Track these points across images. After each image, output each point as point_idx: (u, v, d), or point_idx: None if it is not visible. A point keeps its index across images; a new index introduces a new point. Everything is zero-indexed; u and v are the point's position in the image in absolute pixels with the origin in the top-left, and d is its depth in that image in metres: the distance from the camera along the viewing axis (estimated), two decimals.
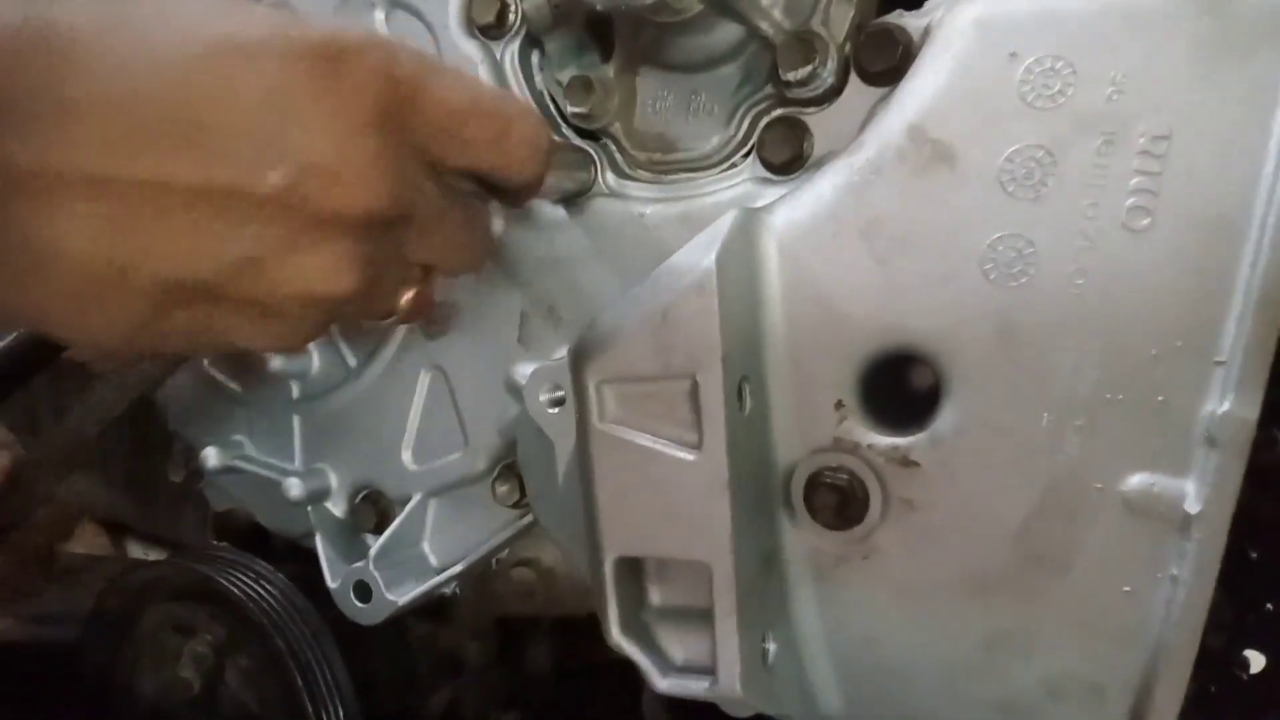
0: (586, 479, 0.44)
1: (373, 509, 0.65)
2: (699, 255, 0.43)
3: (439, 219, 0.44)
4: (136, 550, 1.07)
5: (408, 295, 0.45)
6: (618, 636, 0.43)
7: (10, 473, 0.62)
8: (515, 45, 0.59)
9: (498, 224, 0.58)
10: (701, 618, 0.43)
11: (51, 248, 0.33)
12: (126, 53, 0.33)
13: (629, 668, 0.45)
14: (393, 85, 0.38)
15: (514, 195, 0.49)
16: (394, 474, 0.64)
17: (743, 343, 0.43)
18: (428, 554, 0.63)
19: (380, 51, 0.37)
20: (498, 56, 0.59)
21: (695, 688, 0.42)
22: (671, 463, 0.42)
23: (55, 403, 0.99)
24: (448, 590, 0.65)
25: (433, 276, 0.48)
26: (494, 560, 0.65)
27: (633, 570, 0.44)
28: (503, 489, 0.60)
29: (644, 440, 0.43)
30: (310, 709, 0.61)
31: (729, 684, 0.41)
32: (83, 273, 0.34)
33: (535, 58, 0.60)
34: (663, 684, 0.42)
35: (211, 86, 0.34)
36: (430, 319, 0.60)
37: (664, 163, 0.56)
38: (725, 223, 0.44)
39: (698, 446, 0.41)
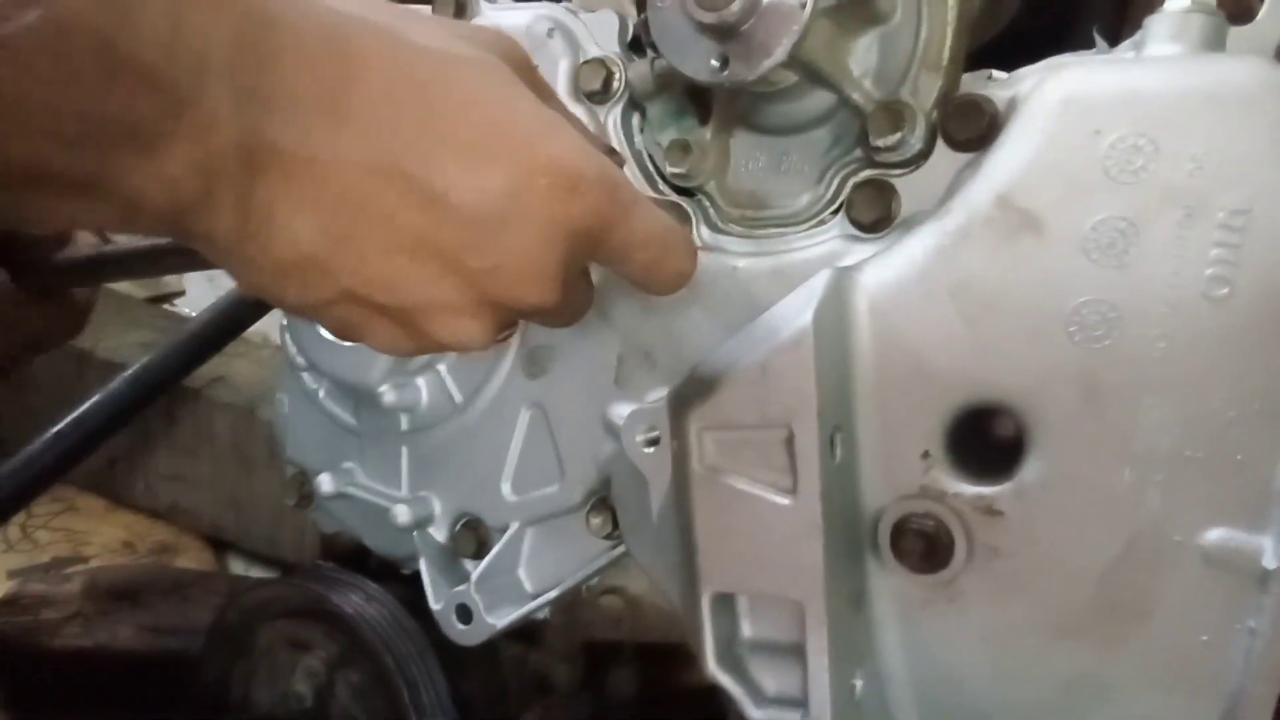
0: (685, 518, 0.48)
1: (473, 536, 0.69)
2: (796, 312, 0.46)
3: (579, 307, 0.51)
4: (238, 566, 1.14)
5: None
6: (714, 668, 0.46)
7: None
8: (619, 109, 0.63)
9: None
10: (793, 652, 0.46)
11: (286, 225, 0.39)
12: (404, 96, 0.40)
13: (709, 696, 0.48)
14: (600, 219, 0.44)
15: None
16: (493, 503, 0.68)
17: (835, 394, 0.46)
18: (523, 580, 0.67)
19: (605, 188, 0.44)
20: (601, 119, 0.64)
21: (788, 719, 0.44)
22: (767, 506, 0.45)
23: None
24: (539, 615, 0.68)
25: None
26: (584, 588, 0.68)
27: (728, 605, 0.47)
28: (596, 521, 0.64)
29: (741, 484, 0.46)
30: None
31: (820, 717, 0.43)
32: (302, 254, 0.39)
33: (636, 120, 0.64)
34: (757, 715, 0.45)
35: (469, 168, 0.40)
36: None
37: (756, 219, 0.60)
38: (820, 281, 0.47)
39: (793, 491, 0.45)
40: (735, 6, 0.49)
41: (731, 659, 0.47)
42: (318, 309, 0.43)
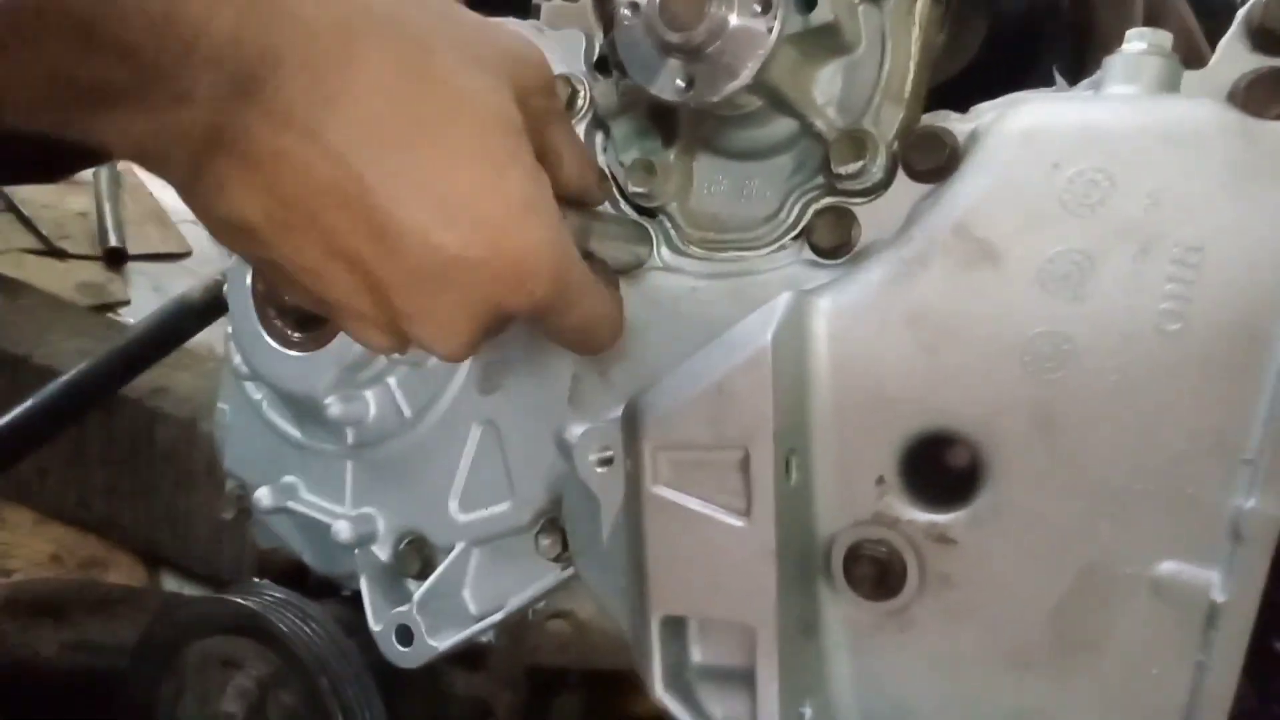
0: (636, 539, 0.47)
1: (417, 555, 0.67)
2: (755, 333, 0.46)
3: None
4: (171, 583, 1.10)
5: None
6: (661, 693, 0.45)
7: None
8: (583, 125, 0.63)
9: None
10: (742, 679, 0.45)
11: (233, 196, 0.39)
12: (398, 129, 0.40)
13: None
14: (535, 311, 0.45)
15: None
16: (440, 522, 0.66)
17: (791, 417, 0.46)
18: (468, 601, 0.65)
19: (553, 287, 0.44)
20: None
21: None
22: (721, 528, 0.44)
23: None
24: (483, 638, 0.67)
25: None
26: (530, 611, 0.67)
27: (678, 629, 0.46)
28: (545, 542, 0.63)
29: (695, 505, 0.45)
30: None
31: None
32: (243, 221, 0.40)
33: (599, 138, 0.64)
34: None
35: (434, 223, 0.40)
36: None
37: (717, 241, 0.60)
38: (780, 304, 0.47)
39: (746, 514, 0.44)
40: (701, 27, 0.49)
41: (680, 684, 0.46)
42: (246, 259, 0.45)
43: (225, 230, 0.41)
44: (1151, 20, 0.65)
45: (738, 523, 0.44)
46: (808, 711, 0.45)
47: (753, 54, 0.50)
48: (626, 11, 0.53)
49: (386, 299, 0.42)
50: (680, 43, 0.50)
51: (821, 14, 0.51)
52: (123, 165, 2.27)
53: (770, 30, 0.49)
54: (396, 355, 0.63)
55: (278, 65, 0.37)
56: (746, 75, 0.50)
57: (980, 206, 0.46)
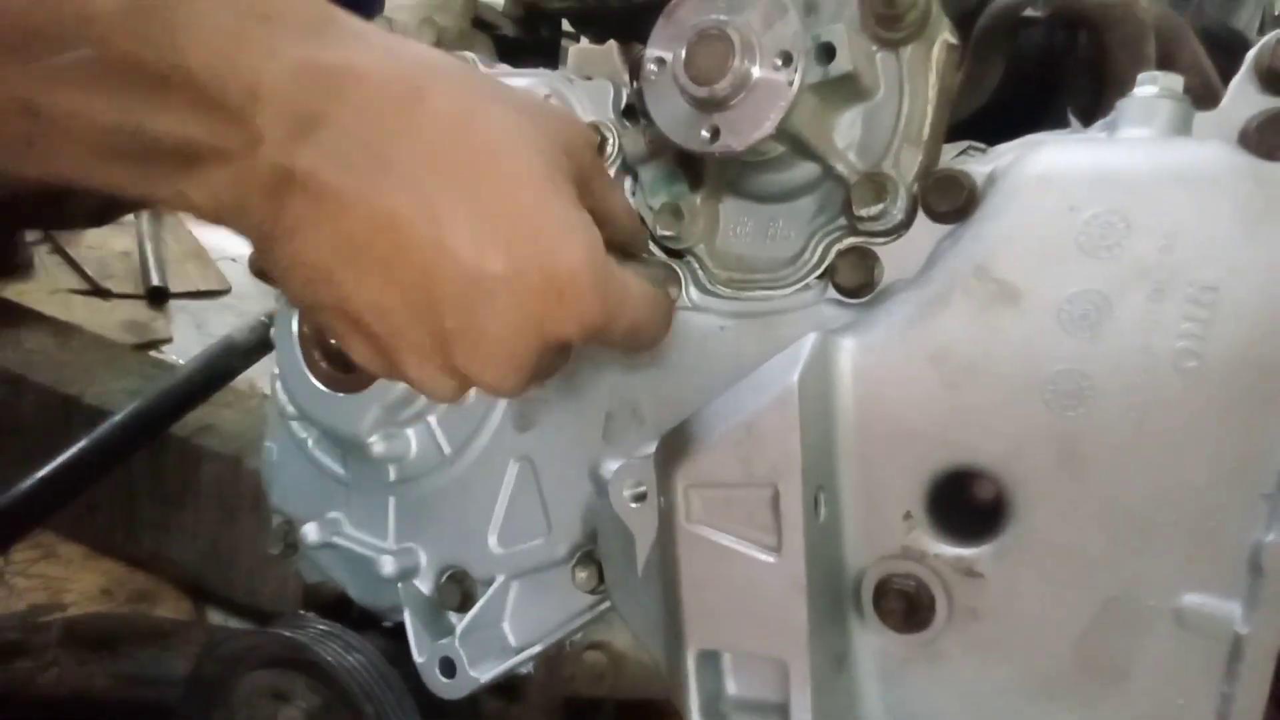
0: (671, 574, 0.49)
1: (457, 588, 0.69)
2: (781, 374, 0.47)
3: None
4: (217, 617, 1.13)
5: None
6: None
7: None
8: (612, 170, 0.65)
9: None
10: (776, 711, 0.46)
11: (306, 237, 0.42)
12: (456, 161, 0.43)
13: None
14: (580, 328, 0.46)
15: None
16: (479, 556, 0.68)
17: (819, 455, 0.48)
18: (508, 633, 0.67)
19: (595, 300, 0.45)
20: None
21: None
22: (752, 563, 0.46)
23: None
24: (522, 669, 0.68)
25: None
26: (567, 642, 0.68)
27: (712, 662, 0.48)
28: (581, 575, 0.65)
29: (726, 541, 0.47)
30: None
31: None
32: (314, 262, 0.43)
33: (629, 183, 0.66)
34: None
35: (483, 240, 0.43)
36: None
37: (743, 281, 0.61)
38: (805, 344, 0.49)
39: (777, 550, 0.45)
40: (725, 82, 0.52)
41: (716, 716, 0.47)
42: (314, 310, 0.46)
43: (297, 273, 0.43)
44: (1165, 60, 0.67)
45: (769, 559, 0.45)
46: None
47: (775, 105, 0.52)
48: (652, 66, 0.55)
49: (439, 323, 0.43)
50: (705, 96, 0.52)
51: (840, 65, 0.53)
52: None
53: (791, 83, 0.51)
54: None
55: (345, 108, 0.40)
56: (769, 126, 0.52)
57: (999, 248, 0.47)
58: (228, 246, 2.33)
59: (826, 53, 0.54)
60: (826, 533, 0.47)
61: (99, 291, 1.92)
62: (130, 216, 2.26)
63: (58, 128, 0.36)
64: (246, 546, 1.09)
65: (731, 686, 0.48)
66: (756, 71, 0.51)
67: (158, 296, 1.97)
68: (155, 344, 1.77)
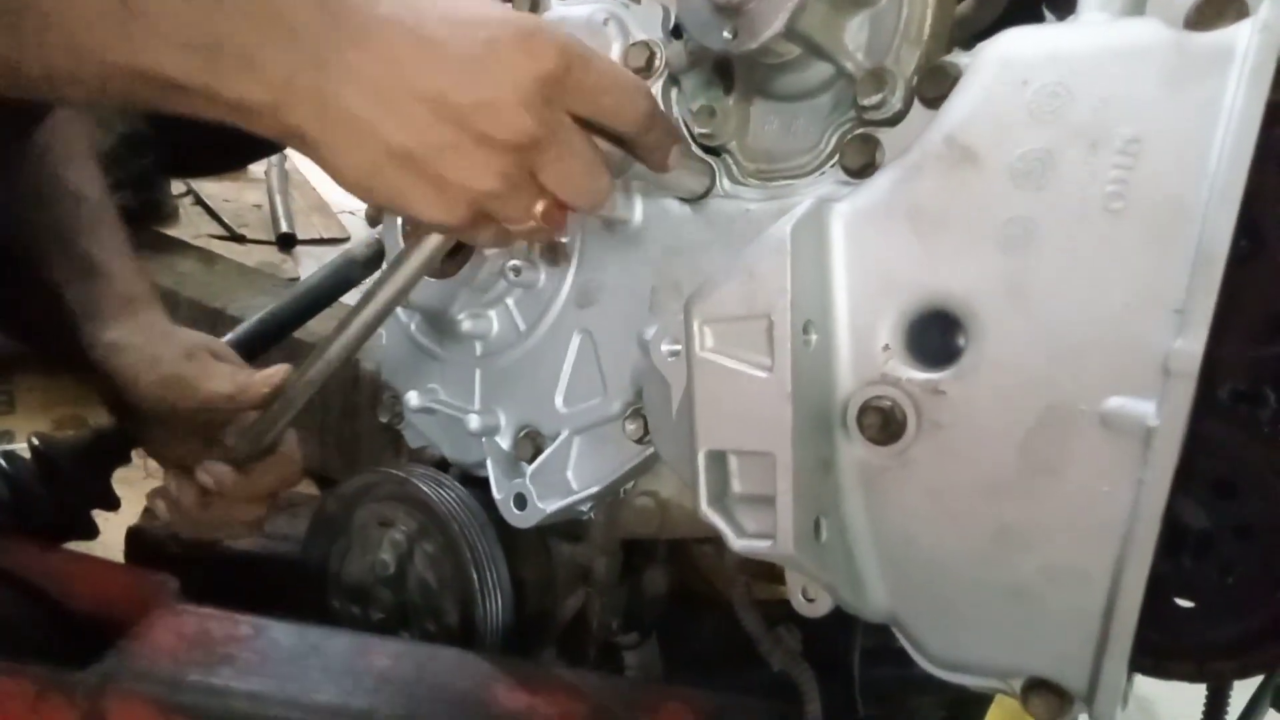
0: (689, 394, 0.59)
1: (531, 444, 0.82)
2: (779, 227, 0.57)
3: (568, 157, 0.59)
4: None
5: (538, 208, 0.61)
6: (706, 509, 0.58)
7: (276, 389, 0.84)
8: (660, 82, 0.76)
9: (637, 213, 0.75)
10: (768, 503, 0.56)
11: (343, 98, 0.54)
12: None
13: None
14: (564, 58, 0.56)
15: (646, 158, 0.66)
16: (549, 415, 0.81)
17: (811, 294, 0.57)
18: (570, 480, 0.79)
19: (560, 41, 0.57)
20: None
21: (760, 546, 0.55)
22: (750, 380, 0.56)
23: None
24: (584, 513, 0.81)
25: (560, 204, 0.62)
26: (622, 490, 0.80)
27: (720, 463, 0.59)
28: (631, 427, 0.76)
29: (730, 364, 0.57)
30: (477, 586, 0.78)
31: (784, 544, 0.54)
32: (355, 117, 0.55)
33: (674, 93, 0.76)
34: (738, 544, 0.57)
35: (464, 28, 0.56)
36: (552, 235, 0.70)
37: (769, 171, 0.71)
38: (801, 206, 0.59)
39: (770, 369, 0.56)
40: None
41: (721, 505, 0.58)
42: (373, 176, 0.57)
43: (348, 137, 0.55)
44: None
45: (763, 375, 0.56)
46: (824, 526, 0.57)
47: (784, 6, 0.61)
48: None
49: (453, 105, 0.54)
50: (724, 3, 0.62)
51: None
52: (289, 165, 2.56)
53: None
54: (512, 242, 0.73)
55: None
56: (779, 24, 0.62)
57: (965, 118, 0.56)
58: (346, 201, 2.54)
59: None
60: (815, 358, 0.57)
61: (235, 237, 2.14)
62: (261, 174, 2.49)
63: (147, 20, 0.49)
64: (365, 439, 1.25)
65: (736, 485, 0.59)
66: None
67: (287, 242, 2.18)
68: (285, 282, 1.98)
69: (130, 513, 1.07)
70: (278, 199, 2.36)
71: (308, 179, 2.65)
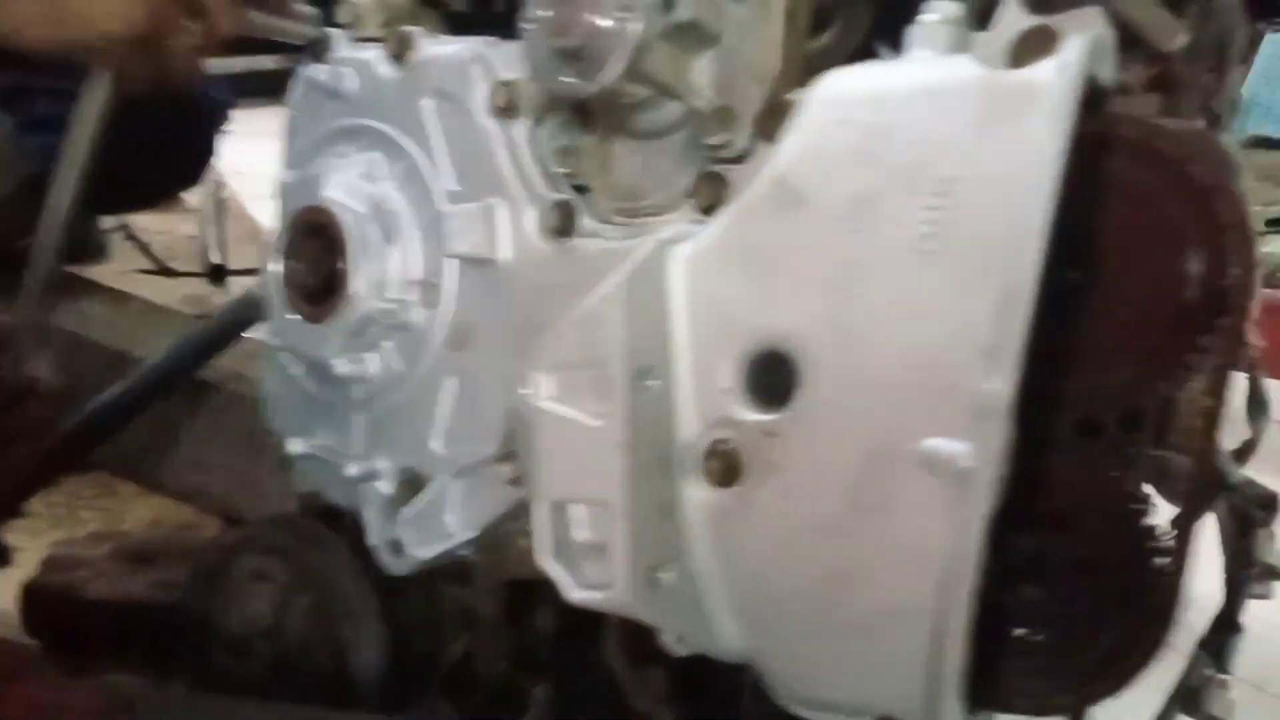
0: (533, 445, 0.59)
1: (411, 489, 0.81)
2: (619, 274, 0.57)
3: None
4: None
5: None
6: (544, 559, 0.57)
7: None
8: (523, 124, 0.75)
9: (502, 252, 0.74)
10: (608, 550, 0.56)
11: None
12: None
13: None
14: None
15: None
16: (426, 458, 0.80)
17: (650, 339, 0.57)
18: (447, 524, 0.78)
19: None
20: (512, 133, 0.76)
21: (596, 596, 0.55)
22: (587, 429, 0.56)
23: None
24: (467, 554, 0.80)
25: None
26: (506, 531, 0.79)
27: (560, 512, 0.58)
28: (505, 469, 0.75)
29: (570, 412, 0.57)
30: (348, 638, 0.77)
31: (622, 594, 0.54)
32: None
33: (540, 132, 0.76)
34: (574, 595, 0.56)
35: None
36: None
37: (631, 209, 0.71)
38: (641, 250, 0.59)
39: (605, 416, 0.55)
40: (577, 32, 0.61)
41: (564, 555, 0.58)
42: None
43: None
44: None
45: (599, 423, 0.55)
46: (665, 575, 0.56)
47: (619, 49, 0.61)
48: (529, 25, 0.65)
49: None
50: (562, 46, 0.62)
51: (681, 13, 0.62)
52: (226, 194, 2.53)
53: (630, 29, 0.61)
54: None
55: None
56: (619, 66, 0.62)
57: (792, 160, 0.56)
58: None
59: (667, 2, 0.63)
60: (655, 404, 0.57)
61: (165, 271, 2.11)
62: (197, 204, 2.47)
63: None
64: (272, 478, 1.23)
65: (577, 534, 0.58)
66: (601, 22, 0.61)
67: (218, 273, 2.16)
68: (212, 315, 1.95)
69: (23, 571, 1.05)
70: (210, 230, 2.34)
71: (244, 208, 2.62)
